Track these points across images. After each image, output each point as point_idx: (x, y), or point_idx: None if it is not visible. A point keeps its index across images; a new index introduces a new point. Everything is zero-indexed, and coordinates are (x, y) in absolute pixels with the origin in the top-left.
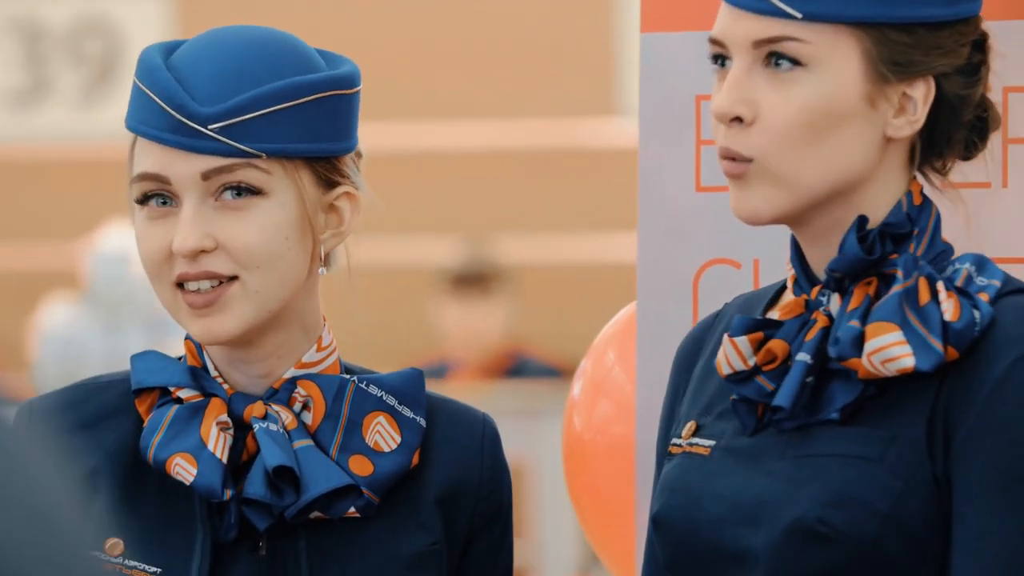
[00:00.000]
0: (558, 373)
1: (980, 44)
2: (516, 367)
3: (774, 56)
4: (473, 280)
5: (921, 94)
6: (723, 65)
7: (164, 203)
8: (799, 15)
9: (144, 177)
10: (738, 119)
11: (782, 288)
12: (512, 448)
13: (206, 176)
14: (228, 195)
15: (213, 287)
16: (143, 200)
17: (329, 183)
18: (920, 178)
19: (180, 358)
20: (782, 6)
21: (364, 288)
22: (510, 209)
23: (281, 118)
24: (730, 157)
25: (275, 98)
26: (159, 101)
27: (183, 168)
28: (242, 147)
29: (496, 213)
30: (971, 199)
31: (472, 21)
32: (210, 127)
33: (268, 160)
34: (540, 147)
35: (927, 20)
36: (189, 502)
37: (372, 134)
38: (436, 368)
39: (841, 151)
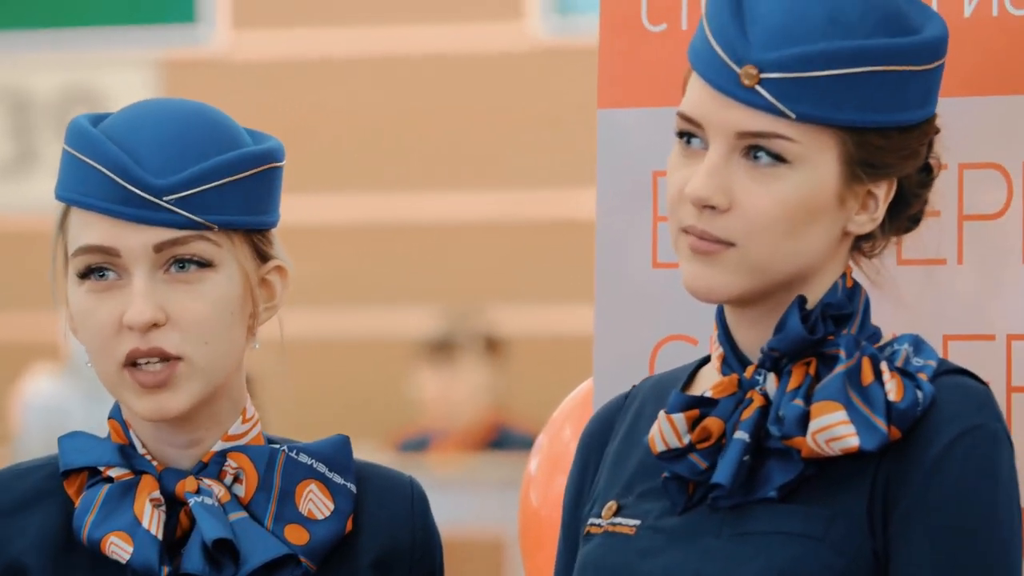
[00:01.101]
0: None
1: (931, 142)
2: (499, 439)
3: (755, 149)
4: (446, 350)
5: (883, 193)
6: (689, 143)
7: (104, 276)
8: (793, 115)
9: (89, 250)
10: (711, 207)
11: (696, 368)
12: (492, 520)
13: (158, 248)
14: (174, 268)
15: (163, 365)
16: (86, 274)
17: (263, 256)
18: (887, 256)
19: (108, 436)
20: (778, 104)
21: (344, 360)
22: (492, 279)
23: (229, 190)
24: (701, 236)
25: (226, 170)
26: (106, 172)
27: (134, 240)
28: (197, 219)
29: (478, 283)
30: (926, 276)
31: (450, 92)
32: (165, 199)
33: (218, 233)
34: (521, 218)
35: (902, 124)
36: None
37: (352, 205)
38: (418, 440)
39: (808, 244)
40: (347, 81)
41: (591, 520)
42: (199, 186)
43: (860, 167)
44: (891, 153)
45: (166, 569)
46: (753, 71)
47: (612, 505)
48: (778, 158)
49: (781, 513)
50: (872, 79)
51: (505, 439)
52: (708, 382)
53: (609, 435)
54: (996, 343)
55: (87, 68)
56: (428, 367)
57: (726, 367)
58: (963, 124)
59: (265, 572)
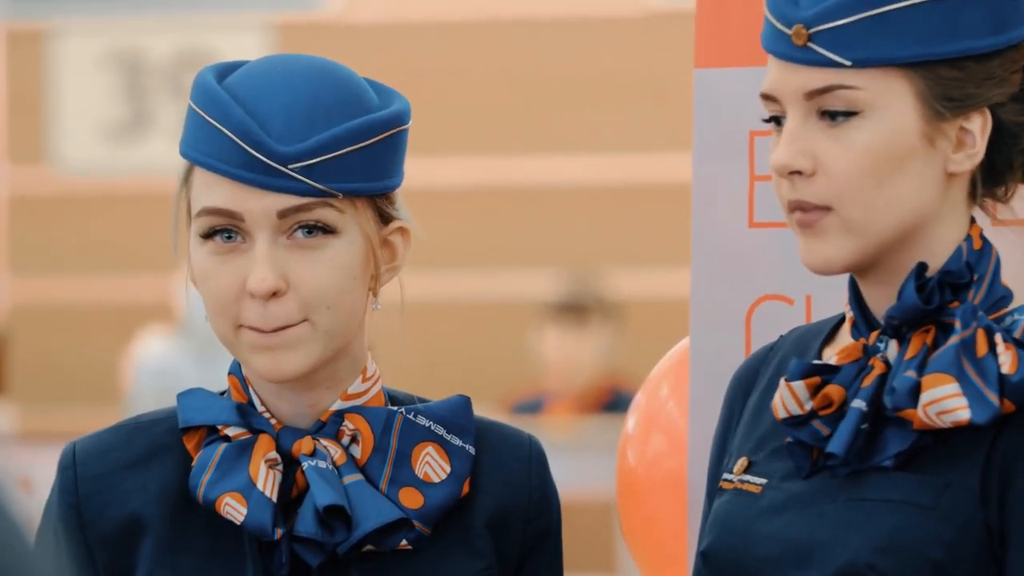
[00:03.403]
0: None
1: None
2: (613, 401)
3: (828, 112)
4: (574, 312)
5: (978, 127)
6: (779, 124)
7: (230, 238)
8: (848, 63)
9: (213, 212)
10: (798, 172)
11: (838, 323)
12: (605, 483)
13: (282, 215)
14: (300, 233)
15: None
16: (209, 235)
17: (385, 219)
18: (978, 218)
19: (223, 393)
20: (830, 55)
21: (465, 321)
22: (612, 243)
23: (354, 157)
24: (801, 207)
25: (352, 138)
26: (232, 136)
27: (257, 205)
28: (321, 187)
29: (598, 246)
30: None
31: (574, 57)
32: (290, 166)
33: (342, 199)
34: (641, 181)
35: (975, 52)
36: (239, 541)
37: (471, 169)
38: (532, 402)
39: (906, 192)
40: (462, 44)
41: (724, 475)
42: (324, 154)
43: (939, 102)
44: (970, 83)
45: (280, 531)
46: (802, 29)
47: (743, 461)
48: (849, 113)
49: (894, 481)
50: (922, 10)
51: (618, 402)
52: (844, 340)
53: (752, 386)
54: None
55: (201, 31)
56: (552, 329)
57: (855, 331)
58: None
59: (378, 535)
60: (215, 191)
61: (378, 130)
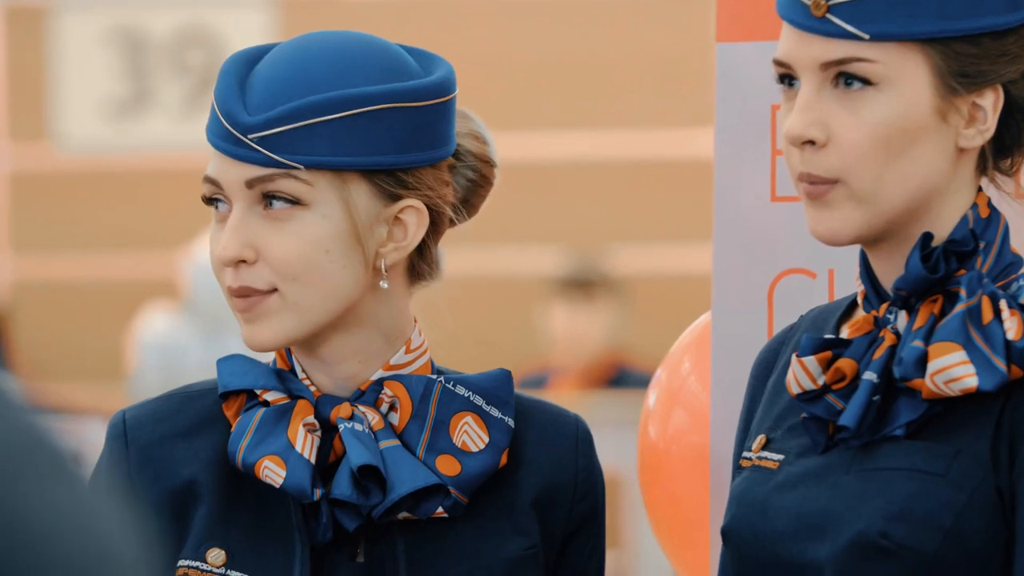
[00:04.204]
0: None
1: None
2: (617, 377)
3: (843, 76)
4: (580, 288)
5: (990, 103)
6: (791, 85)
7: (220, 206)
8: (867, 36)
9: (206, 180)
10: (811, 142)
11: (855, 300)
12: (609, 459)
13: (250, 184)
14: (273, 204)
15: (254, 297)
16: (209, 202)
17: (392, 196)
18: (986, 188)
19: (272, 361)
20: (850, 28)
21: (472, 297)
22: (618, 219)
23: (326, 130)
24: (809, 180)
25: (318, 110)
26: (216, 107)
27: (231, 174)
28: (278, 158)
29: (604, 223)
30: None
31: (579, 35)
32: (249, 136)
33: (310, 172)
34: (647, 158)
35: (992, 29)
36: (285, 509)
37: None
38: (537, 377)
39: (917, 167)
40: (469, 21)
41: (744, 453)
42: (281, 126)
43: (954, 78)
44: (984, 60)
45: (319, 492)
46: (821, 0)
47: (762, 438)
48: (864, 81)
49: (905, 450)
50: None
51: (623, 378)
52: (859, 315)
53: (772, 367)
54: None
55: (203, 8)
56: (558, 305)
57: (867, 304)
58: None
59: (413, 501)
60: (212, 160)
61: (354, 104)
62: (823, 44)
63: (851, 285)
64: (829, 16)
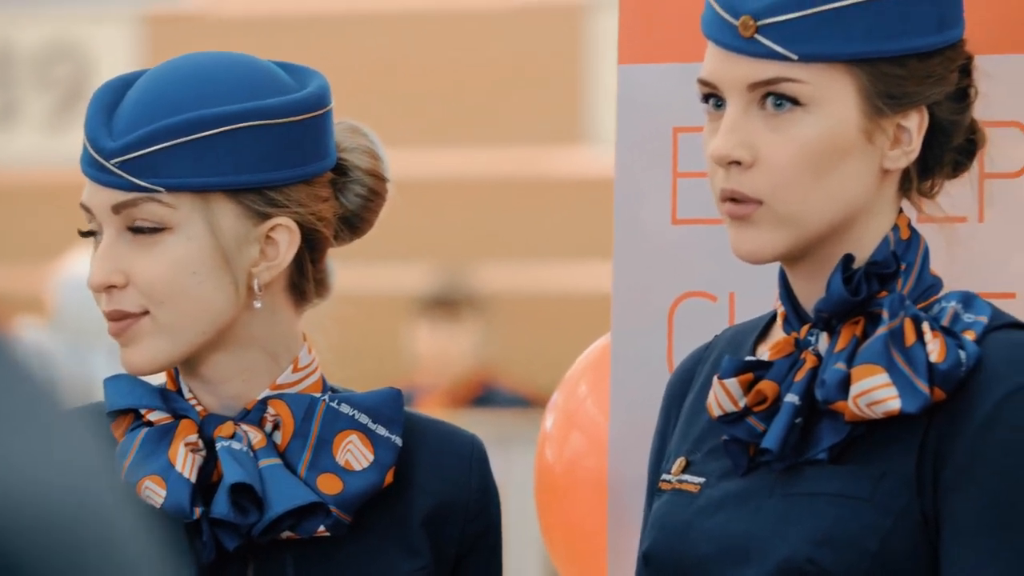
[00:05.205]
0: (527, 403)
1: (966, 68)
2: (484, 396)
3: (770, 97)
4: (445, 306)
5: (915, 124)
6: (717, 106)
7: (94, 234)
8: (795, 56)
9: (82, 207)
10: (737, 162)
11: (771, 321)
12: None
13: (116, 209)
14: (141, 227)
15: (125, 320)
16: (88, 234)
17: (260, 214)
18: (906, 209)
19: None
20: (778, 48)
21: (336, 314)
22: (484, 237)
23: (186, 151)
24: (733, 199)
25: (175, 131)
26: (84, 133)
27: (98, 200)
28: (139, 182)
29: (470, 241)
30: (947, 234)
31: (446, 50)
32: (111, 162)
33: (173, 194)
34: (511, 175)
35: (918, 50)
36: (171, 529)
37: None
38: (404, 395)
39: (842, 188)
40: (331, 37)
41: (663, 476)
42: (142, 149)
43: (880, 99)
44: (911, 81)
45: (198, 511)
46: (749, 21)
47: (681, 461)
48: (792, 102)
49: (829, 474)
50: (873, 7)
51: (490, 396)
52: (777, 336)
53: (689, 387)
54: (1017, 301)
55: (70, 23)
56: (424, 323)
57: (787, 325)
58: (983, 82)
59: (295, 519)
60: (85, 187)
61: (213, 124)
62: (751, 65)
63: (751, 308)
64: (757, 37)
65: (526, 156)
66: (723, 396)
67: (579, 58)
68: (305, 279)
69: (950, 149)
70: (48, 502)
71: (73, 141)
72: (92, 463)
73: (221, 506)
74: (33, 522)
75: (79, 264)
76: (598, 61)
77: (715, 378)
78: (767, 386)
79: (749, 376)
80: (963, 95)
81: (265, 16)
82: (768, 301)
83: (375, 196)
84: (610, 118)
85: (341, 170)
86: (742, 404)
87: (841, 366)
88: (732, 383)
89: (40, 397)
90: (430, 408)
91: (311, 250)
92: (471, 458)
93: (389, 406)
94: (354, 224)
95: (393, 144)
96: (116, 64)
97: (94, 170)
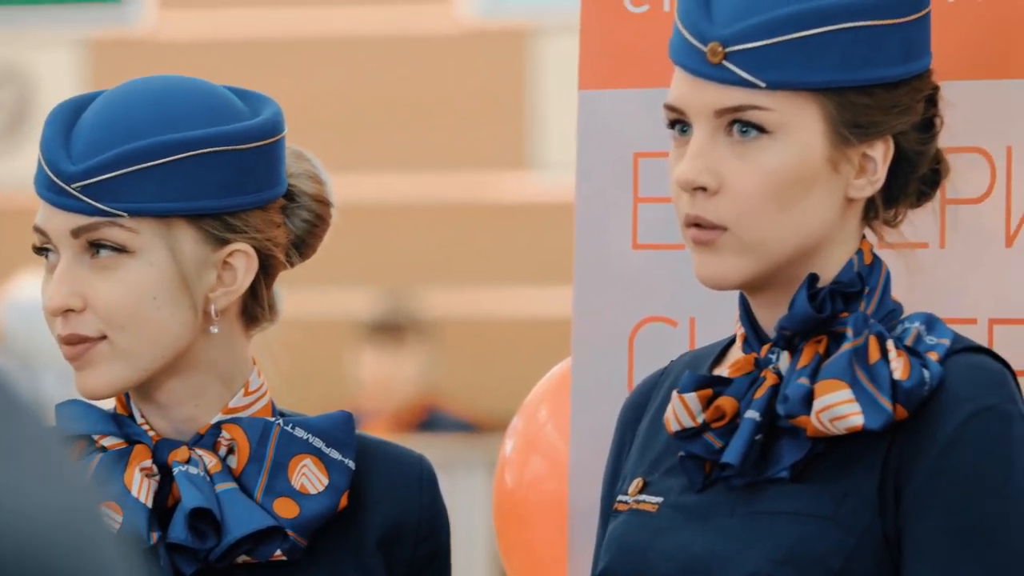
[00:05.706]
0: (472, 428)
1: (932, 98)
2: (429, 420)
3: (737, 124)
4: (390, 331)
5: (881, 154)
6: (683, 132)
7: (49, 255)
8: (763, 84)
9: (35, 229)
10: (702, 188)
11: (728, 346)
12: None
13: (75, 233)
14: (100, 251)
15: (82, 344)
16: (40, 251)
17: (219, 240)
18: (869, 235)
19: (114, 407)
20: (746, 76)
21: (281, 339)
22: (428, 262)
23: (149, 176)
24: (697, 224)
25: (139, 157)
26: (40, 157)
27: (56, 223)
28: (101, 207)
29: (414, 265)
30: (909, 259)
31: (390, 75)
32: (72, 186)
33: (135, 219)
34: (456, 199)
35: (885, 80)
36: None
37: None
38: None
39: (807, 216)
40: (276, 62)
41: (620, 497)
42: (105, 174)
43: (847, 128)
44: (877, 111)
45: (155, 536)
46: (718, 47)
47: (639, 482)
48: (759, 129)
49: (791, 493)
50: (842, 37)
51: (435, 421)
52: (736, 357)
53: (644, 411)
54: (978, 327)
55: (15, 46)
56: (368, 348)
57: (747, 346)
58: (946, 108)
59: (252, 544)
60: (40, 210)
61: (177, 149)
62: (718, 91)
63: (712, 333)
64: (725, 63)
65: (471, 181)
66: (681, 411)
67: (524, 83)
68: (259, 304)
69: (915, 179)
70: (44, 530)
71: (16, 166)
72: (82, 493)
73: (178, 531)
74: (32, 550)
75: (27, 287)
76: (544, 86)
77: (674, 392)
78: (726, 402)
79: (708, 392)
80: (929, 125)
81: (210, 40)
82: (728, 326)
83: (320, 221)
84: (556, 143)
85: (289, 196)
86: (700, 420)
87: (804, 381)
88: (691, 397)
89: (32, 425)
90: (375, 433)
91: (265, 275)
92: (420, 479)
93: (342, 429)
94: (300, 249)
95: (339, 168)
96: (60, 87)
97: (52, 193)
